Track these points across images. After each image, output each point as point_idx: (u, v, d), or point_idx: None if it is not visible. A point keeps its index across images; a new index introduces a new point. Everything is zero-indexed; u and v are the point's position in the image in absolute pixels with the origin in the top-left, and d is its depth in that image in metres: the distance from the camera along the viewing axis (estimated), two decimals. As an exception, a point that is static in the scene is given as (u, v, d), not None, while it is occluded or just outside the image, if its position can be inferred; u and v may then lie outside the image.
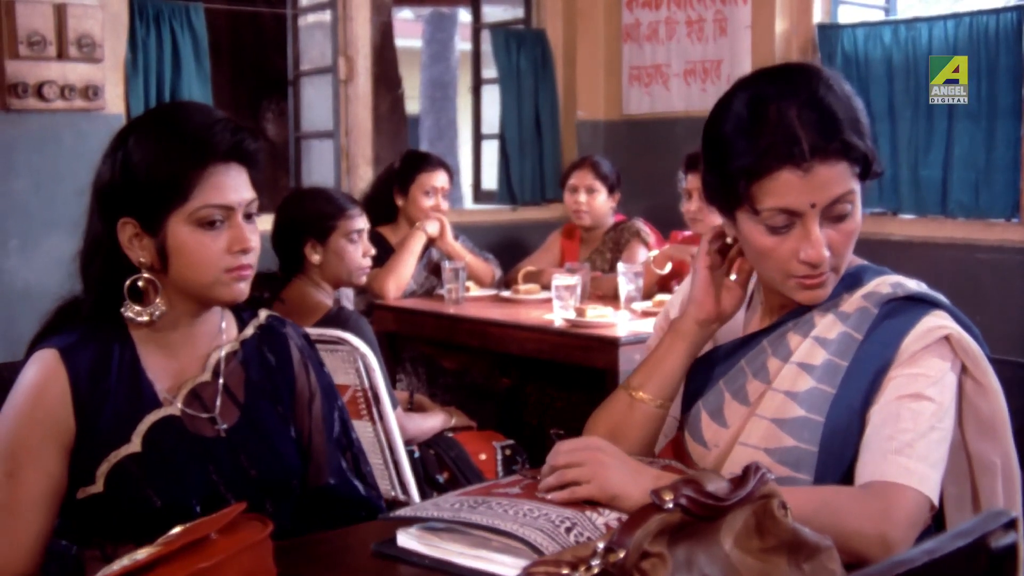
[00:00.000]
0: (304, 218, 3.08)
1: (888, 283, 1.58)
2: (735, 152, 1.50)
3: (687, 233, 4.21)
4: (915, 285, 1.58)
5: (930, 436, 1.44)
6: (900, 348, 1.50)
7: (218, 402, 1.67)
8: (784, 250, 1.51)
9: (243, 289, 1.64)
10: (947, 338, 1.50)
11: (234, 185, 1.61)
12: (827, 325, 1.57)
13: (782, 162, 1.46)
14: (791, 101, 1.48)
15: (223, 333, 1.72)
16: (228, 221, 1.60)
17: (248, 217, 1.63)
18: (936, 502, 1.44)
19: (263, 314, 1.79)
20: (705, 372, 1.68)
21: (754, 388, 1.60)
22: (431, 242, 4.26)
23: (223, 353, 1.70)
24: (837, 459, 1.50)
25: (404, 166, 4.32)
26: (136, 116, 1.75)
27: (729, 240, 1.64)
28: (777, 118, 1.47)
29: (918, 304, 1.54)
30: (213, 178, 1.59)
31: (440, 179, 4.29)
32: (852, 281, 1.59)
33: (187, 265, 1.60)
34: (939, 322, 1.51)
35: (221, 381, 1.68)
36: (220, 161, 1.59)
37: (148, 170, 1.57)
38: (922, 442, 1.43)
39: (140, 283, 1.61)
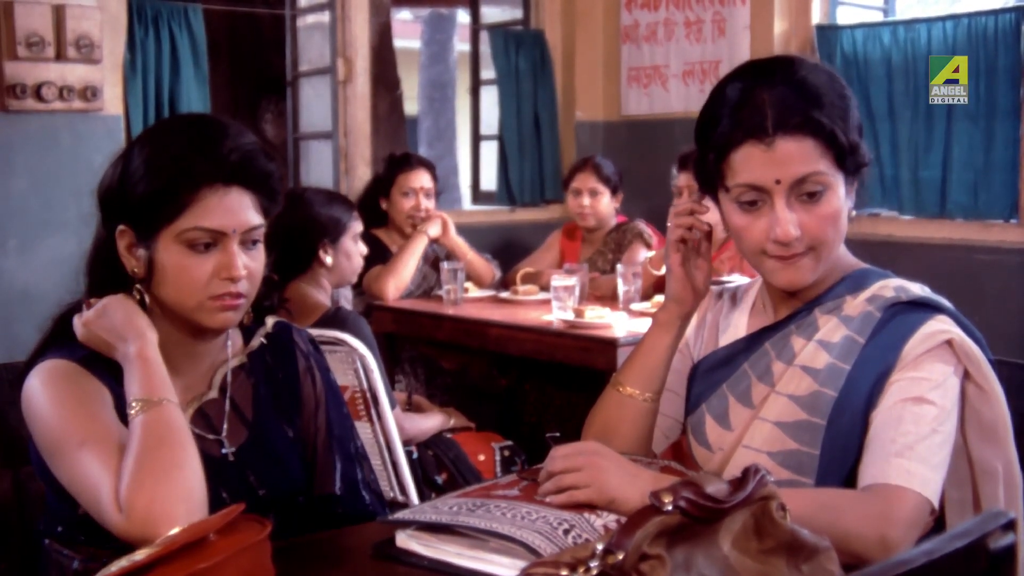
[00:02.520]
0: (321, 220, 3.10)
1: (892, 287, 1.57)
2: (710, 131, 1.56)
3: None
4: (919, 289, 1.58)
5: (932, 439, 1.44)
6: (902, 352, 1.49)
7: (225, 423, 1.64)
8: (756, 229, 1.53)
9: (229, 318, 1.58)
10: (949, 343, 1.50)
11: (231, 209, 1.54)
12: (830, 328, 1.56)
13: (746, 136, 1.50)
14: (767, 83, 1.52)
15: (228, 347, 1.69)
16: (220, 246, 1.54)
17: (249, 244, 1.57)
18: (937, 505, 1.44)
19: (270, 322, 1.76)
20: (707, 375, 1.68)
21: (758, 391, 1.60)
22: (435, 241, 4.27)
23: (230, 368, 1.67)
24: (839, 462, 1.50)
25: (385, 170, 4.38)
26: (154, 122, 1.71)
27: (693, 228, 1.66)
28: (750, 97, 1.51)
29: (921, 308, 1.54)
30: (207, 200, 1.52)
31: (419, 179, 4.31)
32: (855, 284, 1.59)
33: (171, 285, 1.55)
34: (942, 327, 1.51)
35: (228, 400, 1.65)
36: (220, 183, 1.53)
37: (142, 182, 1.53)
38: (923, 445, 1.43)
39: (135, 294, 1.57)
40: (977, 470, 1.53)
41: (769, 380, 1.59)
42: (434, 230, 4.23)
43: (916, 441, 1.43)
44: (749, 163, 1.51)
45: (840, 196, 1.53)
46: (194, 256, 1.54)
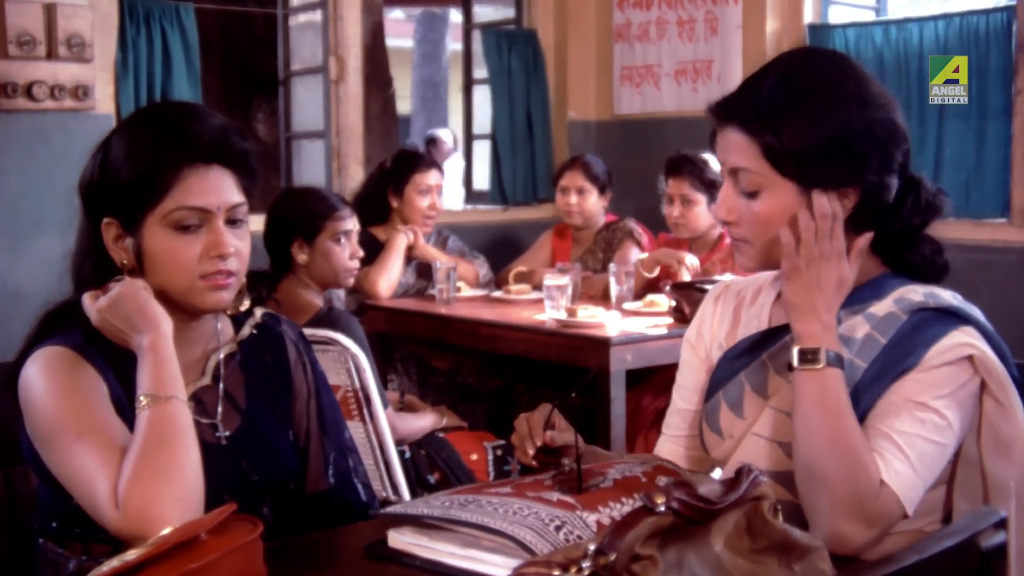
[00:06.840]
0: (293, 217, 3.09)
1: (920, 291, 1.55)
2: None
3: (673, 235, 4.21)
4: (950, 296, 1.55)
5: (926, 447, 1.43)
6: (922, 360, 1.47)
7: (219, 408, 1.65)
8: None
9: (222, 298, 1.58)
10: (970, 358, 1.47)
11: (214, 187, 1.55)
12: (853, 325, 1.54)
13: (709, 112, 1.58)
14: (763, 71, 1.56)
15: (219, 334, 1.69)
16: (206, 225, 1.55)
17: (233, 223, 1.58)
18: (911, 511, 1.42)
19: (259, 312, 1.76)
20: (729, 364, 1.66)
21: (774, 382, 1.59)
22: (410, 249, 4.26)
23: (221, 356, 1.68)
24: None
25: (397, 166, 4.32)
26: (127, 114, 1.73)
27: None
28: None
29: (947, 317, 1.51)
30: (190, 179, 1.54)
31: (434, 178, 4.31)
32: (881, 288, 1.57)
33: (161, 270, 1.55)
34: (965, 339, 1.48)
35: (221, 386, 1.66)
36: (200, 162, 1.54)
37: (124, 168, 1.54)
38: (915, 450, 1.42)
39: None
40: (990, 484, 1.50)
41: (786, 373, 1.57)
42: (410, 234, 4.23)
43: (910, 443, 1.42)
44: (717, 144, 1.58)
45: (780, 203, 1.52)
46: (182, 237, 1.55)
